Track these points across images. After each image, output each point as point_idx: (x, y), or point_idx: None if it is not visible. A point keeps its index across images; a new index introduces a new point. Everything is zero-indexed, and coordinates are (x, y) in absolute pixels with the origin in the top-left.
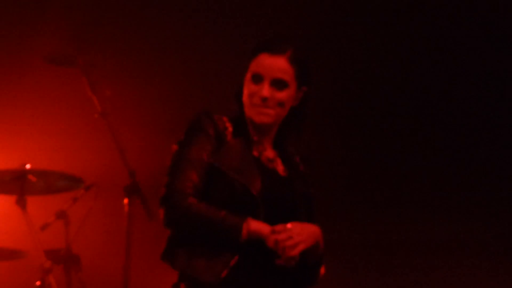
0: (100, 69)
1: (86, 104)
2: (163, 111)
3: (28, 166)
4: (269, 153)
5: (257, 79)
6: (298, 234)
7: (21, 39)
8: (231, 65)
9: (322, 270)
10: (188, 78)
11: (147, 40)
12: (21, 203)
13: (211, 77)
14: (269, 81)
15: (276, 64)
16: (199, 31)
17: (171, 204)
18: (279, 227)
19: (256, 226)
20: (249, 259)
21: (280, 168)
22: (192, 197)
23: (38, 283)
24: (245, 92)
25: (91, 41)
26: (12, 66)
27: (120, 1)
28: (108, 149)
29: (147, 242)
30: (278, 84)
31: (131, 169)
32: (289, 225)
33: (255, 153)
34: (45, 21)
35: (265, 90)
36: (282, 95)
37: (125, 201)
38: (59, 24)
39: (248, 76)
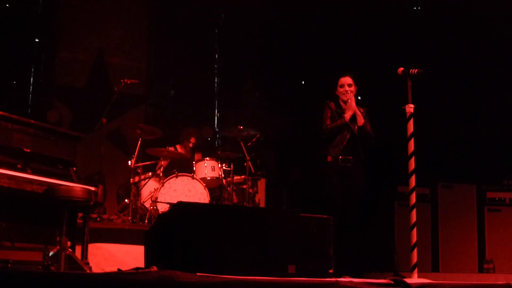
0: None
1: None
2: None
3: (241, 127)
4: (350, 108)
5: (343, 86)
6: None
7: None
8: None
9: (369, 128)
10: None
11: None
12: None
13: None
14: (347, 85)
15: (348, 78)
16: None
17: (324, 131)
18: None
19: (342, 120)
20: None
21: (350, 113)
22: (328, 126)
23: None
24: (340, 90)
25: None
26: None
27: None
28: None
29: None
30: (350, 85)
31: None
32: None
33: (344, 110)
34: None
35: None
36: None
37: None
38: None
39: (339, 86)
